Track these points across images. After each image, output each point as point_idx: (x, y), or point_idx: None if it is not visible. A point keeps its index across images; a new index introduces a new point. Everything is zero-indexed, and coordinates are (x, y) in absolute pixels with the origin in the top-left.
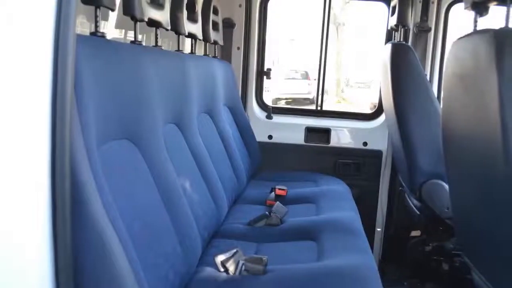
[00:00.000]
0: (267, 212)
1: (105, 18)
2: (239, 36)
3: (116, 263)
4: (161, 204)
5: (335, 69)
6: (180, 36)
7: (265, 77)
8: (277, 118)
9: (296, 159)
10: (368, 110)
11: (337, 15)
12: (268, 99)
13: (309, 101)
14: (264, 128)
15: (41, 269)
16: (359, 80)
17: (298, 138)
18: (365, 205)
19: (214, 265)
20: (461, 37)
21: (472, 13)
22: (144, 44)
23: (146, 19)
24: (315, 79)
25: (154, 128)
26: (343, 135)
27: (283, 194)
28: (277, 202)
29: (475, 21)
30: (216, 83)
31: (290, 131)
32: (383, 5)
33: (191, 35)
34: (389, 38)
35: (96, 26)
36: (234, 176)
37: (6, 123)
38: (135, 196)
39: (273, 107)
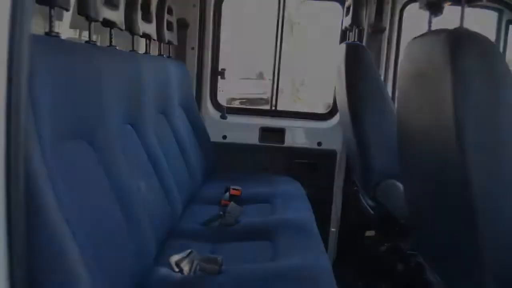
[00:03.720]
0: (221, 212)
1: (60, 18)
2: (194, 36)
3: (70, 263)
4: (115, 204)
5: (290, 69)
6: (135, 36)
7: (219, 77)
8: (231, 118)
9: (251, 159)
10: (323, 109)
11: (292, 14)
12: (222, 99)
13: (264, 101)
14: (219, 128)
15: None
16: (315, 79)
17: (253, 138)
18: (320, 205)
19: (169, 266)
20: (415, 37)
21: (426, 13)
22: (98, 44)
23: (100, 19)
24: (269, 79)
25: (109, 128)
26: (297, 135)
27: (238, 194)
28: (232, 202)
29: (430, 21)
30: (170, 83)
31: (245, 131)
32: (337, 5)
33: (146, 35)
34: (343, 38)
35: (51, 26)
36: (188, 176)
37: None
38: (89, 196)
39: (227, 107)
